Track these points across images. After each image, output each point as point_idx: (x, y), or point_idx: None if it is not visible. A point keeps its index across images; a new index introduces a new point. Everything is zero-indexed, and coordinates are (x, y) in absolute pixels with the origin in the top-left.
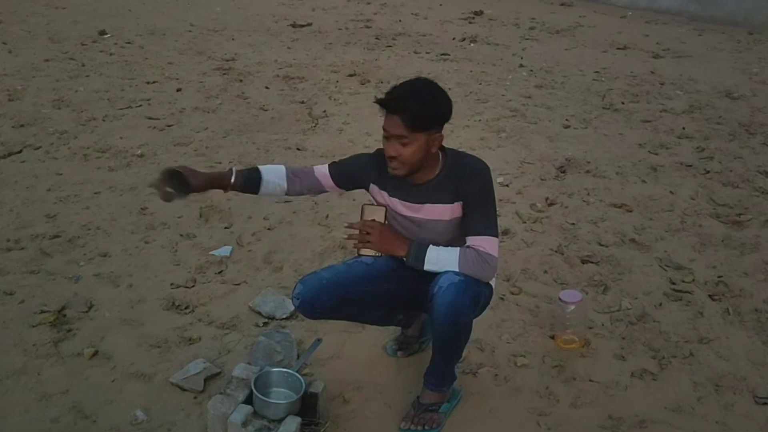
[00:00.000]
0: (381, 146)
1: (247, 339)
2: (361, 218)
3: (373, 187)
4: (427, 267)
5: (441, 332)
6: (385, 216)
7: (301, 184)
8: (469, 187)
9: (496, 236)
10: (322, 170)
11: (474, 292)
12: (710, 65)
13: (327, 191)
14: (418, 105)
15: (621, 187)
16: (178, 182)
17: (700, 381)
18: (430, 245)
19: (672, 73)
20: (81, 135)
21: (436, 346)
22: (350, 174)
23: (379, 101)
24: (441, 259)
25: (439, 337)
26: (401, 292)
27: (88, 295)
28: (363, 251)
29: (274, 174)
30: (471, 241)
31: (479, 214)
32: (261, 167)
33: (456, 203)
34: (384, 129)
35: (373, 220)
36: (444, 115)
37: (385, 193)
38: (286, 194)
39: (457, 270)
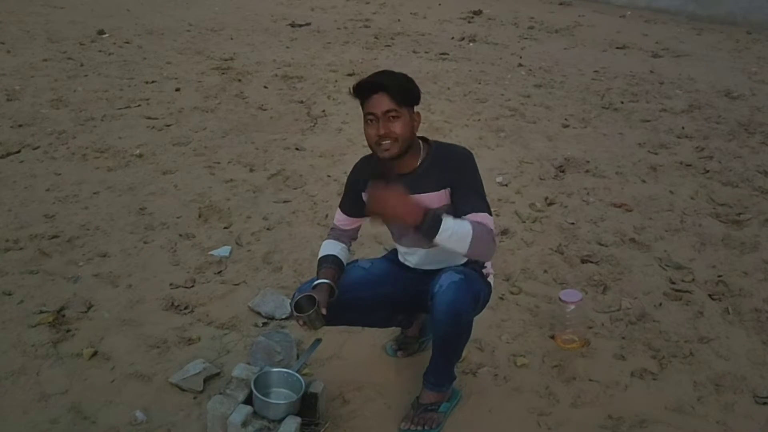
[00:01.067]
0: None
1: (247, 339)
2: None
3: (364, 195)
4: (438, 238)
5: (442, 331)
6: None
7: (348, 237)
8: (458, 173)
9: (491, 214)
10: (338, 216)
11: (475, 290)
12: (709, 65)
13: (356, 227)
14: (399, 80)
15: (621, 187)
16: (310, 305)
17: (700, 381)
18: (445, 214)
19: (671, 72)
20: (79, 135)
21: (437, 345)
22: (350, 198)
23: (360, 85)
24: (456, 231)
25: (440, 336)
26: (399, 295)
27: (87, 295)
28: (372, 219)
29: (339, 251)
30: (470, 218)
31: (472, 197)
32: (326, 255)
33: (442, 191)
34: (369, 113)
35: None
36: (418, 93)
37: None
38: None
39: (468, 245)
